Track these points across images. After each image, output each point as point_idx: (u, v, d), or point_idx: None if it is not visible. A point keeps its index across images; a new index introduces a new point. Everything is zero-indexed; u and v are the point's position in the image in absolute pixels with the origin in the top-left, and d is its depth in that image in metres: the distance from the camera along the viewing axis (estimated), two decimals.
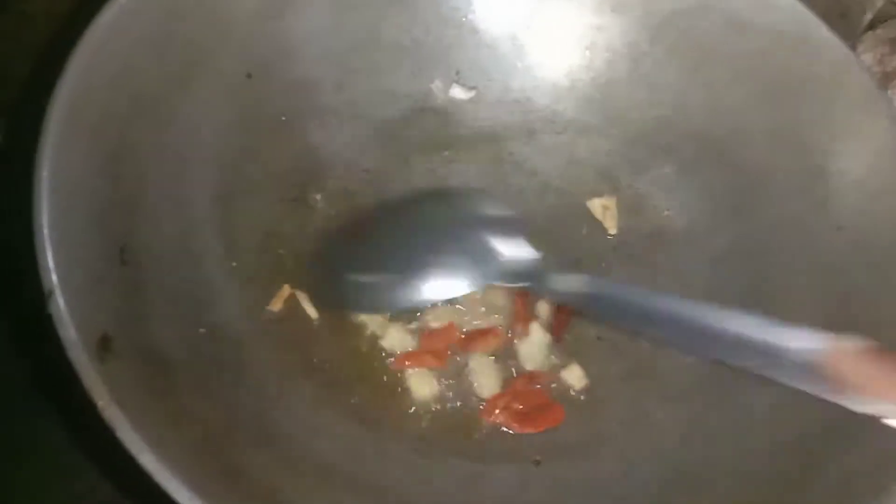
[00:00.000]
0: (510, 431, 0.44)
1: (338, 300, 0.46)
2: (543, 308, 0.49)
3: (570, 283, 0.40)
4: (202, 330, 0.40)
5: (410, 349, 0.46)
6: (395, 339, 0.46)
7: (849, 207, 0.46)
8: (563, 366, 0.47)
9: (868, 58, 0.70)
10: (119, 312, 0.36)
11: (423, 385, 0.45)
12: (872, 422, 0.36)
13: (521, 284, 0.43)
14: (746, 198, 0.50)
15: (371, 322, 0.47)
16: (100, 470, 0.44)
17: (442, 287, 0.44)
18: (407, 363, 0.46)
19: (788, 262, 0.48)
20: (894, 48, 0.69)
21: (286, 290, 0.46)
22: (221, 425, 0.37)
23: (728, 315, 0.34)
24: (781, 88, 0.50)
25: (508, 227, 0.45)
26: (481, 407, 0.45)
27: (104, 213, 0.38)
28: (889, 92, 0.68)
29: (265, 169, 0.48)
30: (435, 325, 0.47)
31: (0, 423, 0.45)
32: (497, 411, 0.44)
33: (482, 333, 0.47)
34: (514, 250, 0.43)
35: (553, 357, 0.48)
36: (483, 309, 0.48)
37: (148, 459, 0.30)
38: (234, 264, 0.45)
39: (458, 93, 0.55)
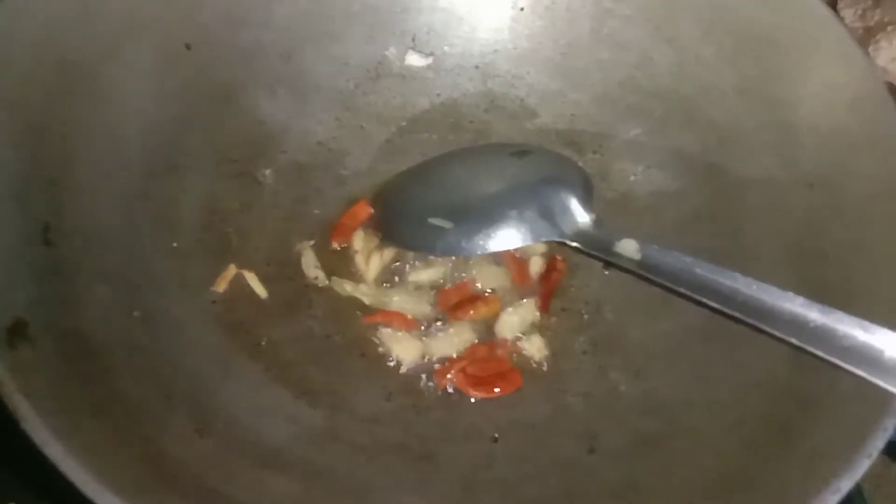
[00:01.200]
0: (470, 399, 0.43)
1: (405, 239, 0.47)
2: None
3: (628, 248, 0.42)
4: (136, 313, 0.38)
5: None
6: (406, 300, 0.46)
7: (820, 164, 0.44)
8: (524, 337, 0.45)
9: (849, 13, 0.67)
10: (38, 296, 0.34)
11: (408, 349, 0.44)
12: (840, 395, 0.35)
13: (575, 244, 0.44)
14: (716, 157, 0.48)
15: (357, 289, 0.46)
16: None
17: (508, 237, 0.45)
18: (382, 320, 0.45)
19: (760, 221, 0.45)
20: (877, 3, 0.67)
21: (232, 269, 0.44)
22: (155, 413, 0.35)
23: (782, 294, 0.36)
24: (751, 43, 0.48)
25: (574, 183, 0.46)
26: (436, 367, 0.44)
27: (24, 190, 0.36)
28: (871, 47, 0.65)
29: (209, 143, 0.46)
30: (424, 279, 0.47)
31: None
32: (450, 374, 0.43)
33: (482, 299, 0.46)
34: (575, 207, 0.44)
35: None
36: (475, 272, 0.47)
37: (54, 451, 0.28)
38: (175, 244, 0.43)
39: (414, 59, 0.53)
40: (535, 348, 0.45)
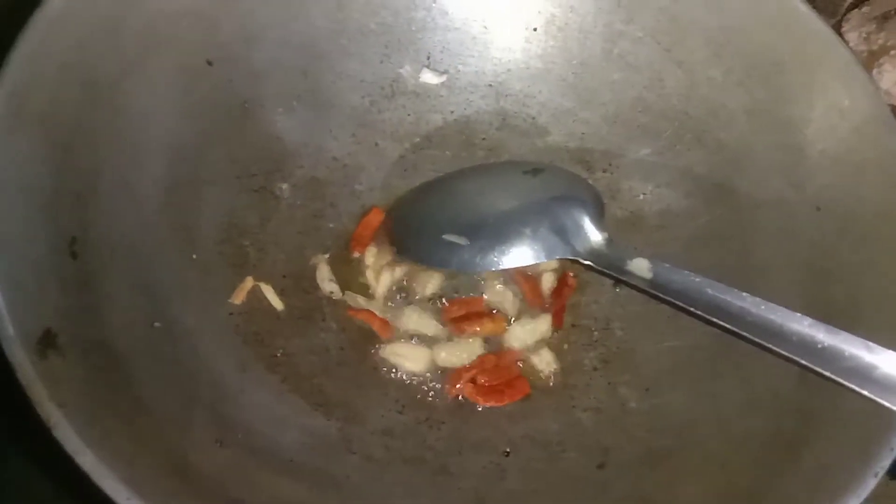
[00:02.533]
0: (481, 412, 0.44)
1: (420, 254, 0.48)
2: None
3: (640, 267, 0.42)
4: (157, 324, 0.39)
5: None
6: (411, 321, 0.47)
7: (828, 186, 0.45)
8: (534, 351, 0.46)
9: (853, 36, 0.68)
10: (66, 307, 0.35)
11: (417, 360, 0.45)
12: (846, 413, 0.35)
13: (588, 262, 0.45)
14: (725, 178, 0.49)
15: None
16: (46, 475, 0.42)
17: (521, 254, 0.46)
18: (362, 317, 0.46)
19: (768, 242, 0.46)
20: (880, 26, 0.68)
21: (249, 282, 0.45)
22: (176, 422, 0.36)
23: (790, 315, 0.38)
24: (760, 66, 0.49)
25: (587, 202, 0.47)
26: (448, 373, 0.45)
27: (52, 204, 0.37)
28: (875, 70, 0.66)
29: (228, 158, 0.47)
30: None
31: None
32: (460, 384, 0.44)
33: (489, 315, 0.47)
34: (587, 226, 0.45)
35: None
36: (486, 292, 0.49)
37: (86, 460, 0.28)
38: (195, 256, 0.43)
39: (428, 77, 0.54)
40: (544, 363, 0.45)
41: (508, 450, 0.42)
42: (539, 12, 0.53)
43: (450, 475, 0.41)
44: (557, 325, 0.47)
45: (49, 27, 0.39)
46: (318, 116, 0.51)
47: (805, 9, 0.47)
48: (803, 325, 0.37)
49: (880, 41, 0.67)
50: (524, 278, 0.48)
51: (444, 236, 0.47)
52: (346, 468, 0.40)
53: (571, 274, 0.48)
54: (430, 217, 0.49)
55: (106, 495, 0.29)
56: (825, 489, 0.34)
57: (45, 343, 0.32)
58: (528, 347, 0.47)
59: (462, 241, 0.46)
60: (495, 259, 0.45)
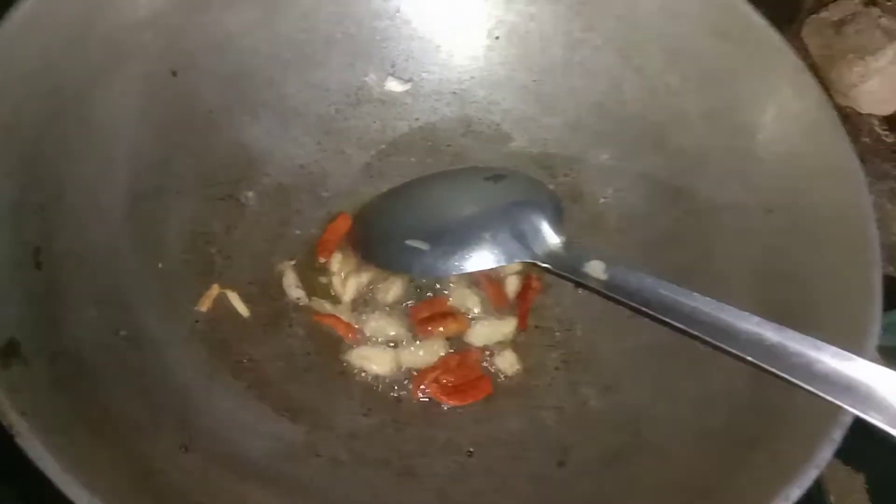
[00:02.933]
0: (447, 413, 0.45)
1: (383, 259, 0.49)
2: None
3: (595, 269, 0.44)
4: (123, 332, 0.39)
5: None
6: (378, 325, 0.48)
7: (780, 189, 0.46)
8: (498, 351, 0.47)
9: (812, 41, 0.70)
10: (30, 317, 0.35)
11: (382, 362, 0.46)
12: (796, 408, 0.37)
13: (546, 265, 0.46)
14: (683, 182, 0.50)
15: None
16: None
17: (481, 258, 0.47)
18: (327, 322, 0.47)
19: (725, 244, 0.47)
20: (838, 31, 0.70)
21: (215, 289, 0.45)
22: (142, 429, 0.36)
23: (739, 314, 0.39)
24: (714, 72, 0.50)
25: (545, 207, 0.48)
26: (413, 374, 0.46)
27: (15, 215, 0.37)
28: (833, 73, 0.68)
29: (193, 167, 0.48)
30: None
31: None
32: (424, 385, 0.45)
33: (452, 315, 0.48)
34: (545, 230, 0.47)
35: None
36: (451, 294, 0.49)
37: (48, 466, 0.29)
38: (161, 265, 0.44)
39: (393, 85, 0.55)
40: (507, 363, 0.46)
41: (472, 450, 0.43)
42: (500, 21, 0.54)
43: (415, 476, 0.42)
44: (522, 327, 0.48)
45: (13, 37, 0.39)
46: (284, 124, 0.52)
47: (757, 17, 0.49)
48: (752, 324, 0.38)
49: (838, 45, 0.69)
50: (489, 282, 0.49)
51: (406, 242, 0.47)
52: (312, 472, 0.40)
53: (535, 277, 0.49)
54: (393, 223, 0.50)
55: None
56: (773, 482, 0.35)
57: (8, 352, 0.32)
58: (491, 346, 0.48)
59: (424, 246, 0.47)
60: (456, 263, 0.47)
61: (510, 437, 0.44)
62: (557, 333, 0.48)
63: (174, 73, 0.47)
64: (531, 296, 0.49)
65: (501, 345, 0.48)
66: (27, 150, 0.39)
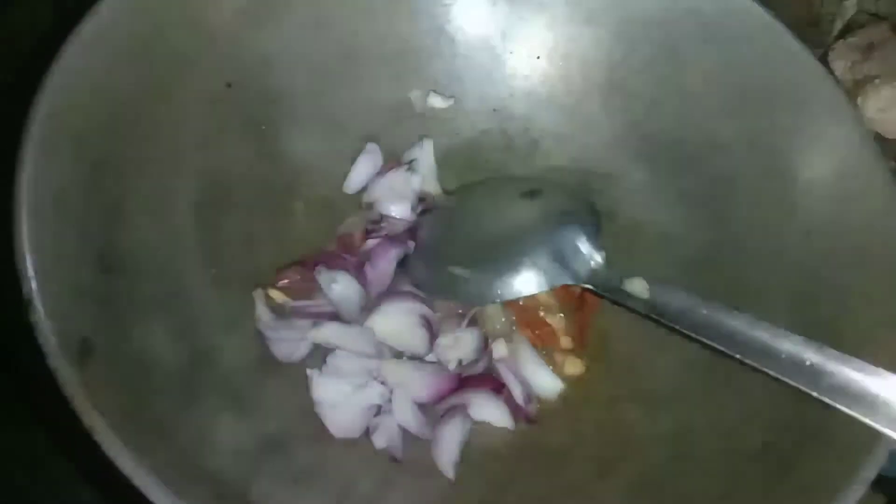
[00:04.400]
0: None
1: (430, 287, 0.49)
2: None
3: (637, 287, 0.44)
4: (183, 341, 0.41)
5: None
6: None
7: (817, 213, 0.47)
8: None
9: (839, 66, 0.71)
10: (99, 319, 0.36)
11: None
12: (836, 426, 0.38)
13: (588, 287, 0.46)
14: (719, 204, 0.51)
15: None
16: (86, 479, 0.44)
17: (523, 285, 0.47)
18: None
19: (760, 266, 0.48)
20: (865, 56, 0.71)
21: (260, 294, 0.46)
22: (200, 433, 0.38)
23: (780, 333, 0.39)
24: (752, 97, 0.51)
25: (584, 224, 0.48)
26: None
27: (84, 221, 0.39)
28: (859, 99, 0.69)
29: (246, 177, 0.49)
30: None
31: None
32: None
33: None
34: (586, 249, 0.47)
35: None
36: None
37: (128, 465, 0.30)
38: (214, 271, 0.45)
39: (436, 102, 0.56)
40: (574, 367, 0.48)
41: (514, 460, 0.44)
42: (542, 42, 0.55)
43: (457, 485, 0.43)
44: (580, 346, 0.49)
45: (82, 53, 0.41)
46: (329, 138, 0.53)
47: (796, 44, 0.50)
48: (793, 343, 0.39)
49: (865, 71, 0.70)
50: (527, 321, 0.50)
51: (450, 269, 0.48)
52: (362, 471, 0.41)
53: (587, 293, 0.49)
54: (436, 248, 0.50)
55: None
56: (815, 501, 0.36)
57: (83, 352, 0.33)
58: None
59: (466, 273, 0.47)
60: (498, 291, 0.47)
61: (552, 448, 0.45)
62: (596, 346, 0.49)
63: (229, 85, 0.49)
64: (587, 314, 0.49)
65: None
66: (95, 160, 0.40)
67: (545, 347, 0.49)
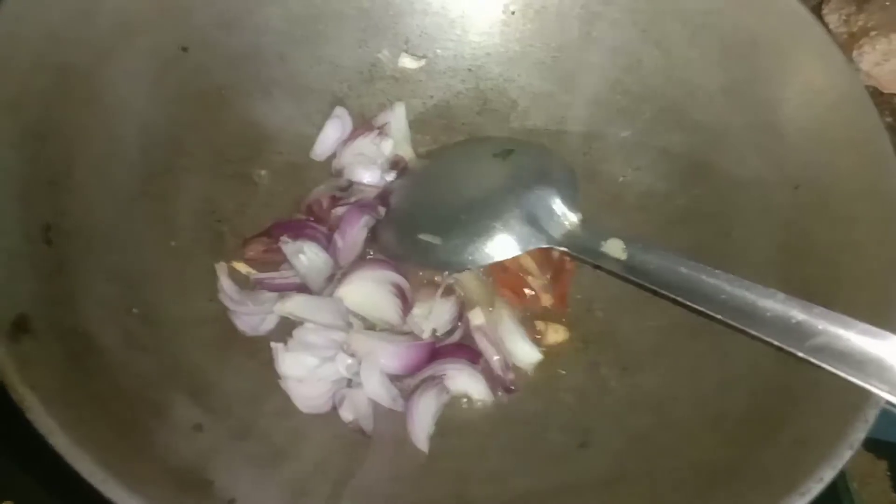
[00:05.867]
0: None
1: (398, 253, 0.47)
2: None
3: (614, 248, 0.42)
4: (135, 310, 0.39)
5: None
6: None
7: (806, 164, 0.45)
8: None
9: (833, 19, 0.69)
10: (40, 292, 0.34)
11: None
12: (822, 386, 0.36)
13: (563, 248, 0.44)
14: (703, 158, 0.49)
15: None
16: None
17: (495, 250, 0.44)
18: None
19: (747, 221, 0.46)
20: (860, 8, 0.68)
21: (223, 267, 0.44)
22: (153, 407, 0.36)
23: (763, 291, 0.37)
24: (736, 46, 0.49)
25: (559, 183, 0.46)
26: None
27: (25, 192, 0.37)
28: (855, 52, 0.66)
29: (205, 145, 0.47)
30: None
31: None
32: None
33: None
34: (561, 210, 0.44)
35: None
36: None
37: (60, 441, 0.28)
38: (173, 243, 0.43)
39: (407, 62, 0.54)
40: (558, 335, 0.46)
41: (491, 430, 0.42)
42: None
43: (431, 457, 0.41)
44: (561, 307, 0.47)
45: (19, 11, 0.38)
46: (296, 102, 0.51)
47: None
48: (777, 301, 0.37)
49: (860, 23, 0.67)
50: (505, 282, 0.48)
51: (419, 236, 0.46)
52: (329, 452, 0.40)
53: (567, 257, 0.48)
54: (405, 214, 0.48)
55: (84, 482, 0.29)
56: (802, 462, 0.34)
57: (19, 327, 0.31)
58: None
59: (436, 240, 0.45)
60: (470, 258, 0.45)
61: (530, 417, 0.43)
62: (576, 313, 0.47)
63: (184, 49, 0.46)
64: (567, 278, 0.47)
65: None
66: (36, 127, 0.38)
67: (526, 309, 0.47)
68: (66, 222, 0.38)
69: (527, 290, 0.48)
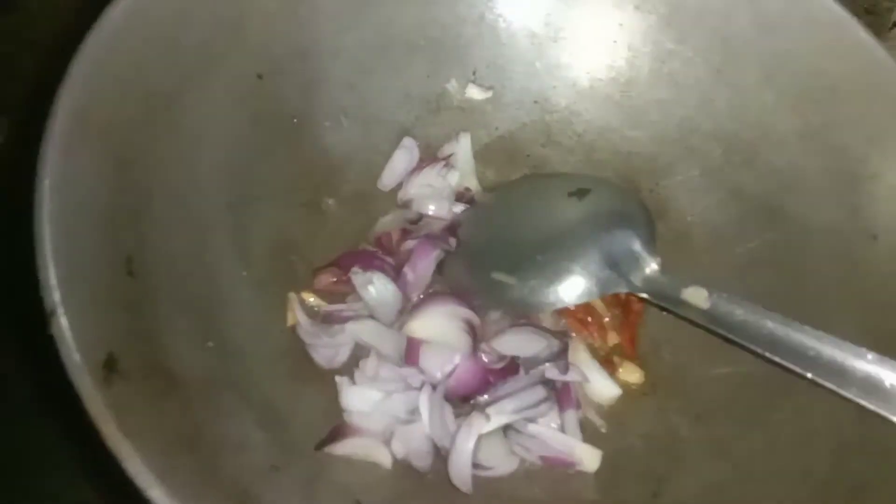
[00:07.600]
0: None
1: (476, 293, 0.45)
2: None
3: (696, 297, 0.41)
4: (210, 343, 0.38)
5: None
6: None
7: (884, 214, 0.44)
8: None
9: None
10: (126, 329, 0.34)
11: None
12: None
13: (643, 295, 0.43)
14: (776, 202, 0.48)
15: None
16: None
17: (573, 293, 0.44)
18: None
19: (821, 270, 0.45)
20: None
21: (293, 299, 0.44)
22: (232, 447, 0.35)
23: (868, 359, 0.36)
24: (813, 90, 0.48)
25: (638, 226, 0.45)
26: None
27: (110, 222, 0.36)
28: None
29: (277, 173, 0.47)
30: None
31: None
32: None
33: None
34: (641, 254, 0.44)
35: None
36: None
37: (156, 494, 0.28)
38: (245, 273, 0.43)
39: (474, 93, 0.53)
40: (633, 375, 0.45)
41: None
42: (586, 29, 0.52)
43: (502, 501, 0.40)
44: (630, 354, 0.46)
45: (107, 43, 0.38)
46: (364, 131, 0.51)
47: (862, 33, 0.47)
48: (868, 363, 0.36)
49: None
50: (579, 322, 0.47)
51: (492, 275, 0.45)
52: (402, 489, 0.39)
53: (635, 297, 0.46)
54: (476, 251, 0.47)
55: None
56: None
57: (110, 368, 0.31)
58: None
59: (511, 280, 0.44)
60: (545, 300, 0.44)
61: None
62: (642, 355, 0.47)
63: (260, 77, 0.46)
64: (635, 319, 0.47)
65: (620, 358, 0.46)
66: (121, 156, 0.38)
67: (594, 343, 0.47)
68: (147, 253, 0.38)
69: (591, 320, 0.47)
